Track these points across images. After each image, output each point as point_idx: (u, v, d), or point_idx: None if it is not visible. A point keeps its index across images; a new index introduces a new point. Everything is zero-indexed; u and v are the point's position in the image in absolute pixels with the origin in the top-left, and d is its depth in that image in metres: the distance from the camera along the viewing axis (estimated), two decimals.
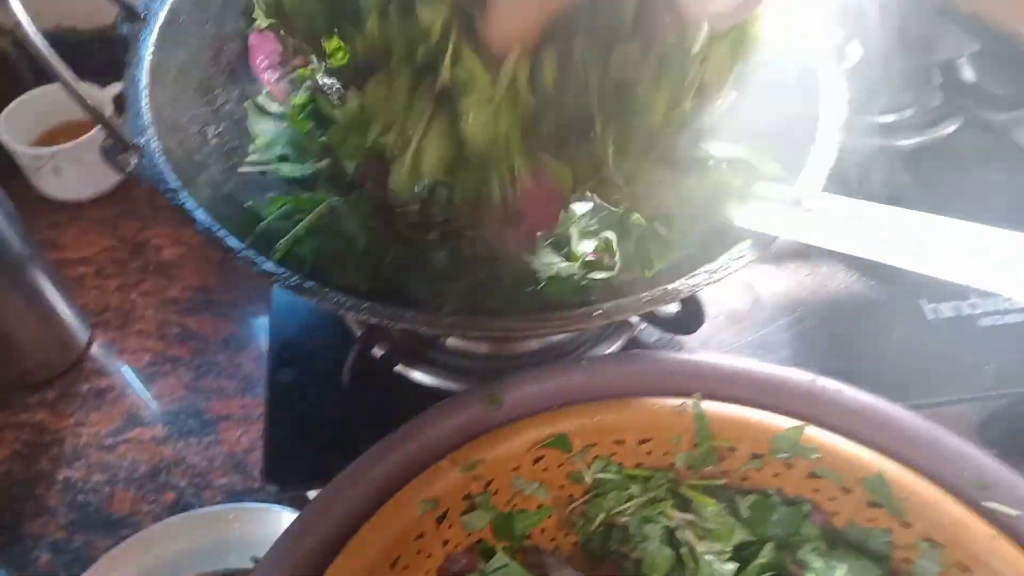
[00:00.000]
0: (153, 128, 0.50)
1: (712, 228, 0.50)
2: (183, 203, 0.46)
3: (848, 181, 0.78)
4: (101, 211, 0.96)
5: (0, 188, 0.70)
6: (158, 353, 0.84)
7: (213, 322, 0.86)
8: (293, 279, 0.43)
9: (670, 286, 0.45)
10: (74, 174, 0.92)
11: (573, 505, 0.56)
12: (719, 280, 0.45)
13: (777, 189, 0.53)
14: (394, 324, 0.42)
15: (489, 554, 0.54)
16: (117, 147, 0.47)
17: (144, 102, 0.53)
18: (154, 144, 0.49)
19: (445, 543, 0.51)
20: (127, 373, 0.83)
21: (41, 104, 0.94)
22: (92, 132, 0.90)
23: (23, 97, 0.93)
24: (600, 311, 0.43)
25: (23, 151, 0.89)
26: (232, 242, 0.45)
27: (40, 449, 0.77)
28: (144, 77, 0.55)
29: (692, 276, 0.46)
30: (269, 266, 0.44)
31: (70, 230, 0.94)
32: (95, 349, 0.85)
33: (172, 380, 0.82)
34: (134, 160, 0.47)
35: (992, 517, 0.48)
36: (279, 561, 0.44)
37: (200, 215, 0.46)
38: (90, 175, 0.94)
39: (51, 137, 0.94)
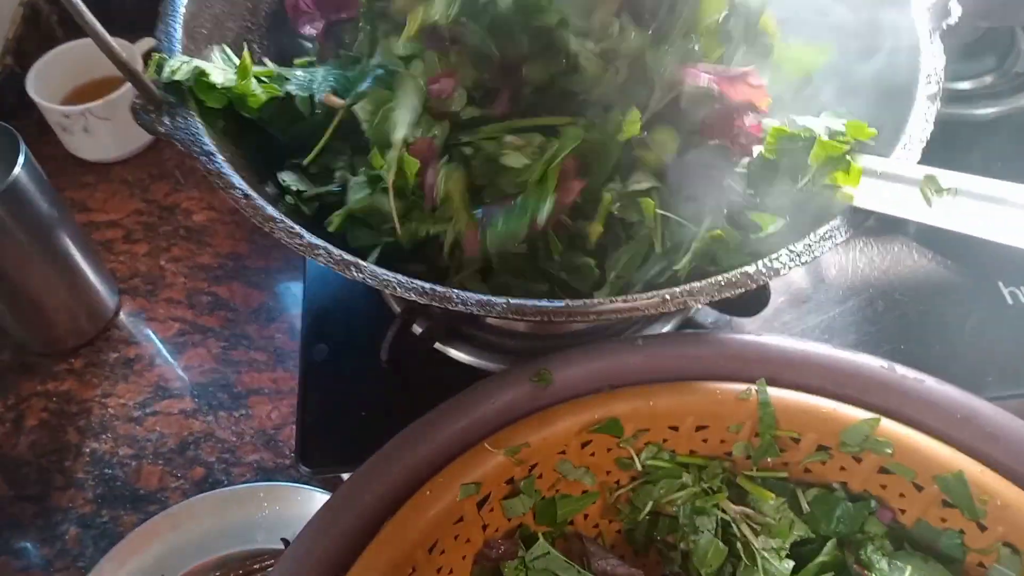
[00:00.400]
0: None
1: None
2: (219, 168, 0.43)
3: (922, 160, 0.73)
4: (131, 172, 0.94)
5: (28, 148, 0.67)
6: (188, 322, 0.82)
7: (244, 291, 0.84)
8: (338, 255, 0.40)
9: (750, 270, 0.41)
10: (105, 133, 0.90)
11: (619, 492, 0.53)
12: (805, 264, 0.41)
13: (896, 163, 0.48)
14: (446, 306, 0.38)
15: (529, 540, 0.51)
16: (148, 106, 0.44)
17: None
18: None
19: (484, 528, 0.48)
20: (156, 342, 0.81)
21: (71, 60, 0.91)
22: (123, 89, 0.87)
23: (53, 52, 0.90)
24: (672, 295, 0.39)
25: (53, 108, 0.87)
26: (271, 211, 0.42)
27: (67, 419, 0.75)
28: (178, 30, 0.52)
29: (774, 259, 0.41)
30: (312, 239, 0.41)
31: (99, 191, 0.92)
32: (123, 316, 0.82)
33: (201, 351, 0.80)
34: (167, 120, 0.44)
35: None
36: (312, 541, 0.42)
37: (238, 181, 0.43)
38: (121, 134, 0.92)
39: (81, 95, 0.91)
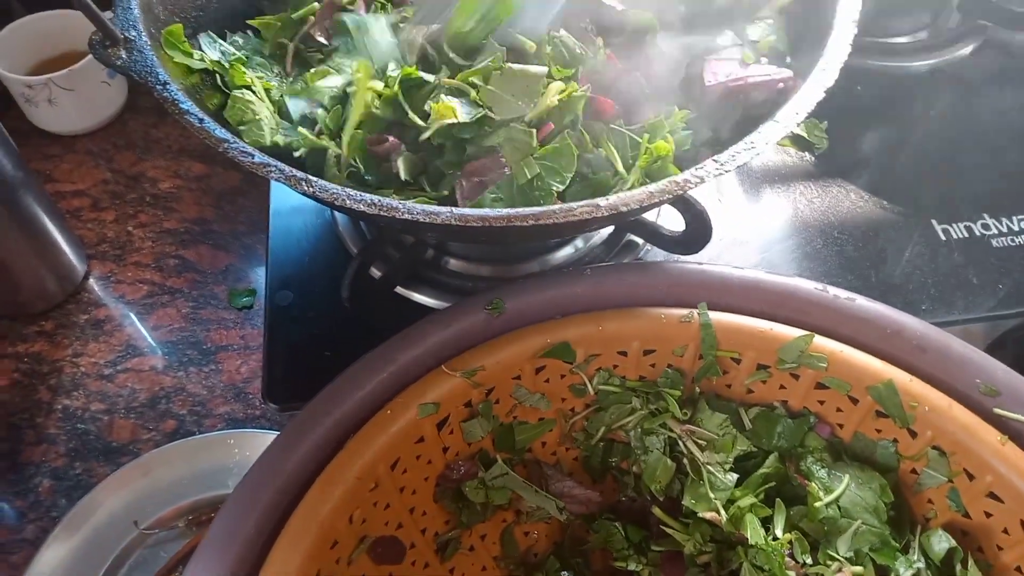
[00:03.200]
0: (143, 21, 0.48)
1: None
2: (174, 97, 0.45)
3: (860, 106, 0.77)
4: (96, 143, 0.95)
5: None
6: (156, 284, 0.83)
7: (211, 253, 0.85)
8: (288, 170, 0.42)
9: (678, 178, 0.43)
10: (69, 104, 0.91)
11: (574, 419, 0.56)
12: (728, 171, 0.44)
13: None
14: (393, 216, 0.40)
15: (489, 465, 0.53)
16: (106, 41, 0.45)
17: None
18: (144, 38, 0.47)
19: (445, 450, 0.51)
20: (125, 304, 0.82)
21: (34, 33, 0.91)
22: (86, 60, 0.88)
23: (13, 25, 0.90)
24: (606, 202, 0.41)
25: (16, 79, 0.87)
26: (221, 133, 0.43)
27: (38, 379, 0.76)
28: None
29: (700, 168, 0.44)
30: (264, 158, 0.42)
31: (65, 163, 0.93)
32: (92, 280, 0.83)
33: (171, 311, 0.81)
34: (123, 54, 0.45)
35: (1001, 424, 0.47)
36: (280, 455, 0.44)
37: (189, 107, 0.44)
38: (85, 106, 0.92)
39: (45, 68, 0.92)
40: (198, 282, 0.83)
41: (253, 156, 0.42)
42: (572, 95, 0.52)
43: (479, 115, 0.51)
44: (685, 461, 0.53)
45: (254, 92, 0.55)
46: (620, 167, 0.51)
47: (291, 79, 0.60)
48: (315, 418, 0.45)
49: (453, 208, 0.41)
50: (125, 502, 0.66)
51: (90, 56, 0.68)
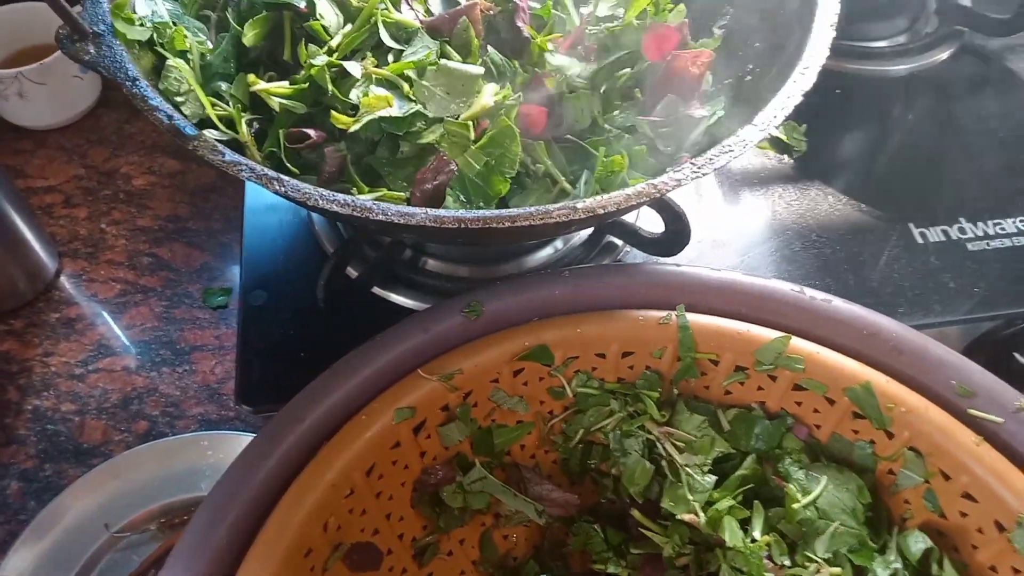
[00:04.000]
0: (112, 16, 0.47)
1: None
2: (143, 93, 0.44)
3: (839, 109, 0.77)
4: (68, 139, 0.93)
5: None
6: (129, 283, 0.82)
7: (185, 252, 0.84)
8: (259, 170, 0.41)
9: (656, 180, 0.43)
10: (40, 98, 0.89)
11: (553, 421, 0.55)
12: (705, 174, 0.43)
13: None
14: (367, 217, 0.40)
15: (467, 469, 0.53)
16: (74, 35, 0.44)
17: None
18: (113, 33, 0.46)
19: (422, 455, 0.50)
20: (97, 303, 0.80)
21: (3, 25, 0.90)
22: (58, 53, 0.86)
23: None
24: (583, 205, 0.41)
25: None
26: (191, 131, 0.42)
27: (7, 378, 0.75)
28: None
29: (678, 170, 0.44)
30: (234, 156, 0.42)
31: (36, 158, 0.91)
32: (64, 278, 0.82)
33: (144, 310, 0.80)
34: (91, 49, 0.44)
35: (976, 424, 0.47)
36: (253, 460, 0.43)
37: (159, 103, 0.43)
38: (57, 100, 0.91)
39: (16, 61, 0.90)
40: (172, 280, 0.82)
41: (224, 155, 0.41)
42: (507, 98, 0.52)
43: (412, 110, 0.51)
44: (664, 463, 0.53)
45: (189, 61, 0.53)
46: (564, 183, 0.51)
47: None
48: (289, 423, 0.44)
49: (428, 209, 0.40)
50: (96, 504, 0.65)
51: None
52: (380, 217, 0.39)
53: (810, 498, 0.49)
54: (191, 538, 0.39)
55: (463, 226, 0.39)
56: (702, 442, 0.52)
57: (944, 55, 0.82)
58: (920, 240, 0.70)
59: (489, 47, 0.56)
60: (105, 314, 0.80)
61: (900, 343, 0.50)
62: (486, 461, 0.53)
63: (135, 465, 0.66)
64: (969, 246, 0.70)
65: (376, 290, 0.65)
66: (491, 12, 0.58)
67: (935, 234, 0.71)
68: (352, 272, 0.63)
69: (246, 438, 0.68)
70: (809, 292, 0.52)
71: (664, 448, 0.53)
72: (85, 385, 0.75)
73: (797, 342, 0.50)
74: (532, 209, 0.41)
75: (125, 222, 0.86)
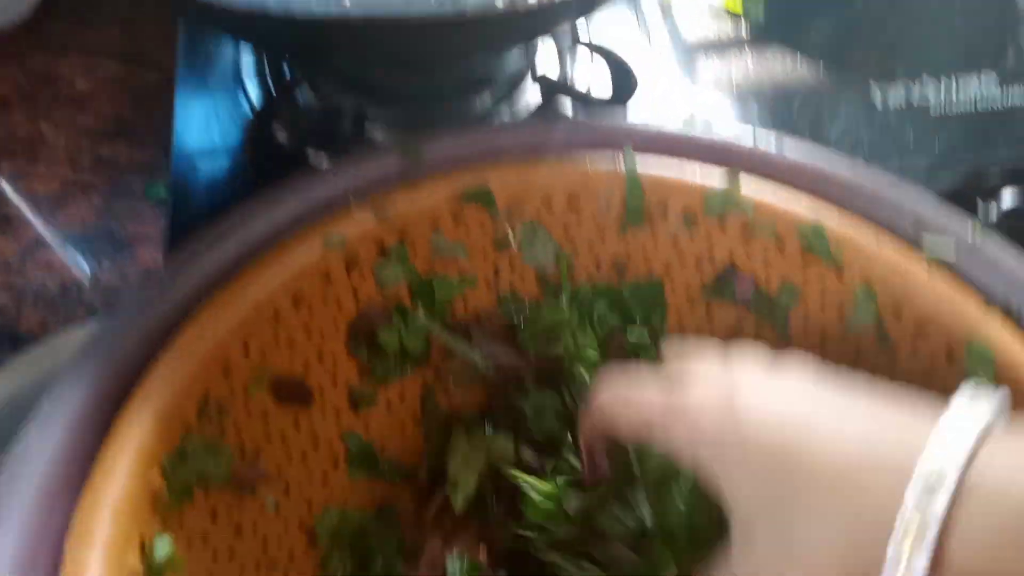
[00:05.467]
0: None
1: None
2: None
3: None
4: (7, 46, 0.89)
5: None
6: (69, 181, 0.79)
7: (128, 150, 0.81)
8: None
9: None
10: None
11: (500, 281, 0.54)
12: None
13: None
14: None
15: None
16: None
17: None
18: None
19: (356, 295, 0.48)
20: (35, 200, 0.77)
21: None
22: None
23: None
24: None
25: None
26: None
27: None
28: None
29: None
30: None
31: None
32: (1, 179, 0.79)
33: (84, 206, 0.77)
34: None
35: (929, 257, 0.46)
36: (162, 285, 0.41)
37: None
38: None
39: None
40: (113, 178, 0.79)
41: None
42: None
43: None
44: None
45: None
46: None
47: None
48: (212, 241, 0.42)
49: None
50: (32, 381, 0.62)
51: None
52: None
53: None
54: (98, 343, 0.37)
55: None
56: None
57: None
58: (880, 98, 0.68)
59: None
60: (44, 210, 0.77)
61: (854, 183, 0.49)
62: (428, 313, 0.51)
63: (74, 344, 0.64)
64: (930, 99, 0.68)
65: (314, 160, 0.62)
66: None
67: (896, 93, 0.68)
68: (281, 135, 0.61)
69: None
70: (761, 136, 0.50)
71: None
72: (22, 277, 0.72)
73: (747, 181, 0.49)
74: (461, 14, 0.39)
75: (66, 124, 0.83)
